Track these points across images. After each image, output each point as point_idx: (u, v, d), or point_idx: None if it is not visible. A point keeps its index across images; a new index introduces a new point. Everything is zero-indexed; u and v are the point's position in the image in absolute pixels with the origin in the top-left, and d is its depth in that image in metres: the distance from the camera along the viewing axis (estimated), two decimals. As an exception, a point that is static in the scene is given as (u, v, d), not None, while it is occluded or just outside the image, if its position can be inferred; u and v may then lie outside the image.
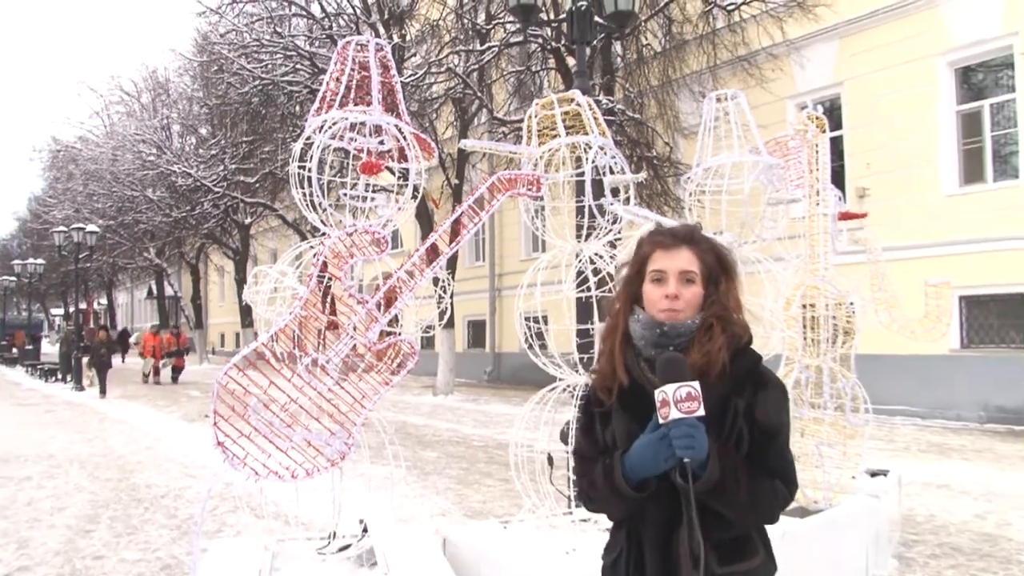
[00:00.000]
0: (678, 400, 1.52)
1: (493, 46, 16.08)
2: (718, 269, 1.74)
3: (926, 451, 9.31)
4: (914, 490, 6.70)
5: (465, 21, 15.98)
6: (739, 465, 1.60)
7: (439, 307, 3.57)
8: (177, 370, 22.63)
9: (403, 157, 3.19)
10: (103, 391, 18.33)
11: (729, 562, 1.59)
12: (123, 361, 33.44)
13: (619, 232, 3.81)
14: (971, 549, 5.10)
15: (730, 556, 1.59)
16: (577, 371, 3.62)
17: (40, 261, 36.40)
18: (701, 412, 1.52)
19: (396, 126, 3.18)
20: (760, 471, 1.64)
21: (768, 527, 1.72)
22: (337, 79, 3.23)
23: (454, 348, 18.05)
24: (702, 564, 1.52)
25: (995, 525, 5.74)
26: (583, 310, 3.68)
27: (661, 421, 1.54)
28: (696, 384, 1.53)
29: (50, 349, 38.49)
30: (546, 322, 3.76)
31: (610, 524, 1.83)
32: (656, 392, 1.55)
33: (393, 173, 3.24)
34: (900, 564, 4.72)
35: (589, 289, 3.57)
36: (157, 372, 22.43)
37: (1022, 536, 5.41)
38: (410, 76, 15.23)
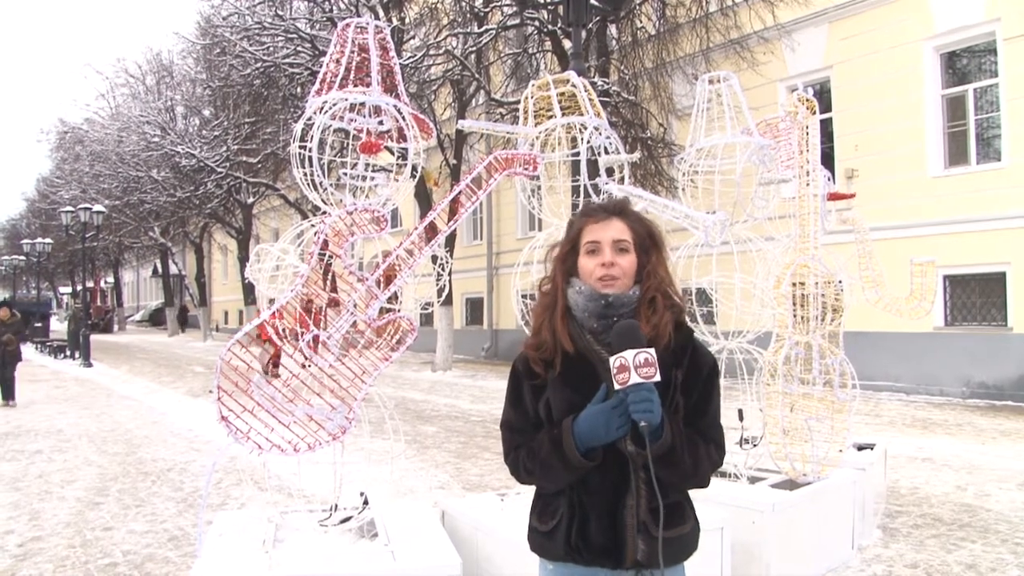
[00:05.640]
0: (637, 365, 1.53)
1: (490, 29, 16.07)
2: (648, 240, 1.77)
3: (910, 425, 9.50)
4: (898, 463, 6.87)
5: (463, 4, 15.96)
6: (682, 432, 1.65)
7: (438, 284, 3.61)
8: None
9: (402, 137, 3.20)
10: (9, 395, 12.36)
11: (667, 527, 1.62)
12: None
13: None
14: (952, 519, 5.25)
15: (668, 521, 1.63)
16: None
17: (48, 240, 36.54)
18: (658, 378, 1.54)
19: (395, 106, 3.19)
20: (697, 438, 1.69)
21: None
22: (337, 61, 3.23)
23: (452, 325, 18.12)
24: (660, 526, 1.57)
25: (975, 496, 5.90)
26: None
27: (618, 386, 1.54)
28: (652, 351, 1.56)
29: (59, 326, 38.40)
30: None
31: None
32: (613, 359, 1.56)
33: (392, 153, 3.27)
34: (884, 534, 4.85)
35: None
36: (277, 363, 20.17)
37: (1000, 507, 5.56)
38: (409, 58, 15.22)
